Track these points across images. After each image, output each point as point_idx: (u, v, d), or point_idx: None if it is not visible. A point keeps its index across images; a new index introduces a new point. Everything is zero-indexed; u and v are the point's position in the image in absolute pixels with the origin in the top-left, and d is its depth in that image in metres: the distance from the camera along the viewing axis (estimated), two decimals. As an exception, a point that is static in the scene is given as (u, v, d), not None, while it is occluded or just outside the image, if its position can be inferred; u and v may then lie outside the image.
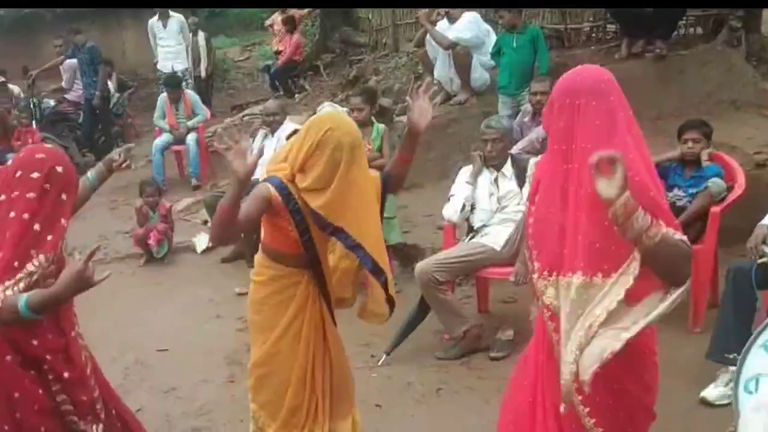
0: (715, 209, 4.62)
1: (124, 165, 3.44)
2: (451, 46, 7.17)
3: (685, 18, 7.55)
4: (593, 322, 2.22)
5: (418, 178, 7.10)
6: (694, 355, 4.15)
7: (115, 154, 3.42)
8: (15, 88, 11.14)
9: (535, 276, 2.41)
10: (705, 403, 3.88)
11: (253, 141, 6.38)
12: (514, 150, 5.32)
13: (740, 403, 2.47)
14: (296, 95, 11.32)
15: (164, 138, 9.14)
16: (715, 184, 4.67)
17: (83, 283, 2.39)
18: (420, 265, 4.73)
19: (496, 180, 4.93)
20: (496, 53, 7.09)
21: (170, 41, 10.76)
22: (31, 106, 10.38)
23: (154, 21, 10.85)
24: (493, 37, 7.28)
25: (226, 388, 4.58)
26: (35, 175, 2.54)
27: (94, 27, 13.54)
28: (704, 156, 4.79)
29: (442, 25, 7.31)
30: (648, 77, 6.84)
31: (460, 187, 4.98)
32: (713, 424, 3.58)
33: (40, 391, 2.56)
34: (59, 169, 2.59)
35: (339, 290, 3.26)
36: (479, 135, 5.02)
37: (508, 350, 4.61)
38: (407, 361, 4.68)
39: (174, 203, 7.91)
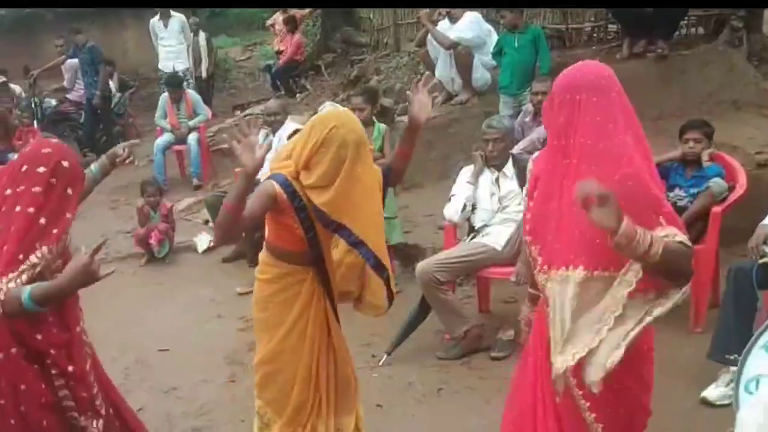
0: (717, 209, 4.61)
1: (127, 161, 3.44)
2: (452, 45, 7.17)
3: (686, 18, 7.55)
4: (601, 327, 2.23)
5: (419, 177, 7.12)
6: (694, 355, 4.15)
7: (119, 148, 3.43)
8: (16, 88, 11.15)
9: (536, 271, 2.42)
10: (706, 403, 3.87)
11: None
12: (516, 150, 5.32)
13: (741, 403, 2.47)
14: (297, 95, 11.33)
15: (165, 138, 9.15)
16: (717, 184, 4.67)
17: (88, 276, 2.39)
18: (421, 265, 4.73)
19: (497, 180, 4.93)
20: (498, 53, 7.09)
21: (171, 41, 10.76)
22: (33, 105, 10.41)
23: (155, 21, 10.85)
24: (495, 37, 7.28)
25: (226, 387, 4.58)
26: (41, 169, 2.54)
27: (95, 26, 13.53)
28: (705, 156, 4.79)
29: (444, 25, 7.31)
30: (649, 77, 6.83)
31: (461, 187, 4.98)
32: (714, 424, 3.58)
33: (44, 386, 2.56)
34: (65, 163, 2.59)
35: (343, 284, 3.26)
36: (480, 135, 5.02)
37: (509, 350, 4.61)
38: (408, 361, 4.68)
39: (175, 203, 7.92)
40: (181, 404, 4.42)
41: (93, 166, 3.35)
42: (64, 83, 11.25)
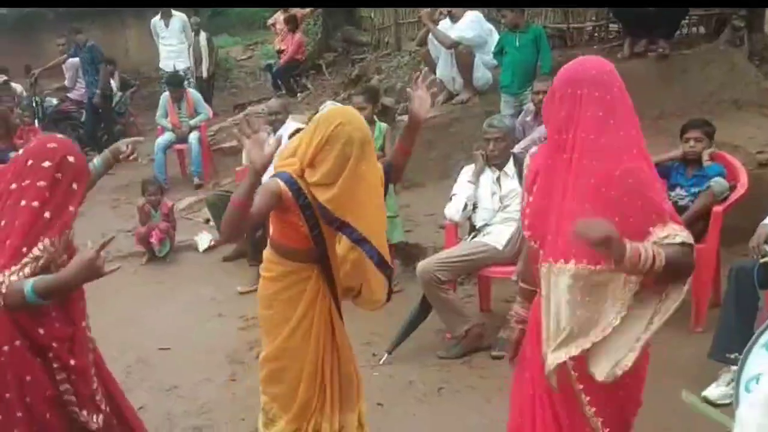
0: (718, 209, 4.61)
1: (131, 158, 3.45)
2: (453, 45, 7.16)
3: (687, 17, 7.55)
4: (606, 326, 2.26)
5: (420, 177, 7.12)
6: (695, 354, 4.15)
7: (123, 145, 3.43)
8: (17, 87, 11.14)
9: (538, 264, 2.43)
10: (706, 402, 3.87)
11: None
12: (517, 149, 5.32)
13: (740, 402, 2.47)
14: (298, 94, 11.33)
15: (166, 137, 9.15)
16: (718, 183, 4.66)
17: (93, 271, 2.39)
18: (422, 264, 4.73)
19: (498, 179, 4.93)
20: (499, 52, 7.09)
21: (172, 40, 10.76)
22: (34, 104, 10.41)
23: (156, 20, 10.86)
24: (496, 36, 7.27)
25: (227, 386, 4.58)
26: (47, 164, 2.54)
27: (96, 26, 13.54)
28: (705, 156, 4.79)
29: (445, 24, 7.31)
30: (650, 77, 6.83)
31: (462, 187, 4.98)
32: (714, 423, 3.57)
33: (47, 379, 2.56)
34: (71, 158, 2.60)
35: (347, 280, 3.26)
36: (481, 134, 5.02)
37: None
38: (409, 360, 4.68)
39: (176, 202, 7.92)
40: (181, 403, 4.42)
41: (96, 160, 3.35)
42: (66, 82, 11.25)
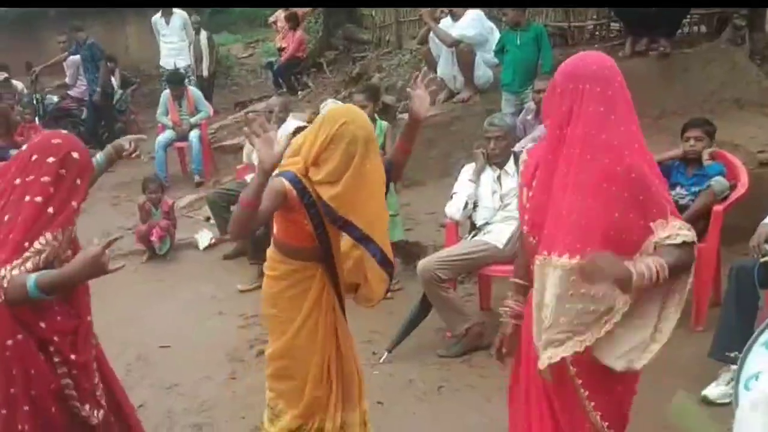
0: (718, 208, 4.61)
1: (134, 155, 3.45)
2: (454, 43, 7.16)
3: (689, 16, 7.55)
4: (609, 318, 2.29)
5: (421, 175, 7.12)
6: (695, 353, 4.14)
7: (126, 142, 3.43)
8: (18, 84, 11.14)
9: (534, 257, 2.44)
10: (706, 401, 3.87)
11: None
12: (517, 148, 5.31)
13: (740, 400, 2.47)
14: (299, 92, 11.32)
15: (167, 134, 9.14)
16: (718, 182, 4.66)
17: (97, 268, 2.39)
18: (422, 263, 4.73)
19: (498, 178, 4.93)
20: (500, 51, 7.08)
21: (173, 38, 10.76)
22: (35, 102, 10.42)
23: (157, 17, 10.85)
24: (497, 35, 7.27)
25: (227, 384, 4.58)
26: (51, 159, 2.54)
27: (97, 23, 13.56)
28: (705, 155, 4.78)
29: (446, 23, 7.31)
30: (651, 75, 6.82)
31: (463, 185, 4.98)
32: (714, 422, 3.57)
33: (51, 373, 2.57)
34: (75, 154, 2.60)
35: (349, 277, 3.26)
36: (482, 133, 5.02)
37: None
38: (409, 359, 4.68)
39: (176, 200, 7.92)
40: (182, 401, 4.42)
41: (98, 156, 3.35)
42: (66, 80, 11.26)
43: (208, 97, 10.71)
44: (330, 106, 5.92)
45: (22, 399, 2.50)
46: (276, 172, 3.05)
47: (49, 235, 2.46)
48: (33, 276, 2.37)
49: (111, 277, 2.51)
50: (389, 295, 4.84)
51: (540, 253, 2.38)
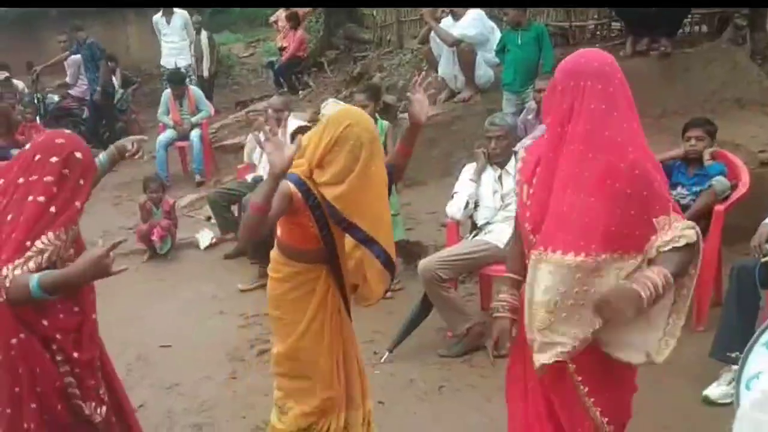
0: (719, 207, 4.60)
1: (137, 156, 3.45)
2: (455, 43, 7.16)
3: (690, 16, 7.55)
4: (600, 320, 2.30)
5: (422, 175, 7.12)
6: (696, 353, 4.14)
7: (128, 142, 3.42)
8: (19, 84, 11.15)
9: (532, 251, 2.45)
10: (707, 401, 3.87)
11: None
12: (518, 147, 5.31)
13: (741, 400, 2.48)
14: (300, 92, 11.32)
15: (168, 134, 9.15)
16: (719, 182, 4.66)
17: (101, 269, 2.39)
18: (423, 263, 4.72)
19: (499, 177, 4.92)
20: (501, 50, 7.08)
21: (174, 37, 10.77)
22: (35, 101, 10.41)
23: (158, 17, 10.87)
24: (498, 35, 7.27)
25: (227, 384, 4.58)
26: (54, 159, 2.54)
27: (98, 23, 13.57)
28: (706, 155, 4.78)
29: (447, 22, 7.30)
30: (652, 75, 6.82)
31: (464, 185, 4.98)
32: (715, 422, 3.57)
33: (56, 370, 2.57)
34: (78, 154, 2.59)
35: (351, 277, 3.26)
36: (483, 132, 5.02)
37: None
38: (410, 359, 4.68)
39: (177, 199, 7.92)
40: (182, 401, 4.42)
41: (101, 156, 3.35)
42: (67, 79, 11.27)
43: (209, 97, 10.72)
44: (331, 105, 5.93)
45: (28, 397, 2.50)
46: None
47: (51, 235, 2.46)
48: (36, 276, 2.36)
49: (112, 277, 2.51)
50: (390, 294, 4.89)
51: (535, 248, 2.38)
